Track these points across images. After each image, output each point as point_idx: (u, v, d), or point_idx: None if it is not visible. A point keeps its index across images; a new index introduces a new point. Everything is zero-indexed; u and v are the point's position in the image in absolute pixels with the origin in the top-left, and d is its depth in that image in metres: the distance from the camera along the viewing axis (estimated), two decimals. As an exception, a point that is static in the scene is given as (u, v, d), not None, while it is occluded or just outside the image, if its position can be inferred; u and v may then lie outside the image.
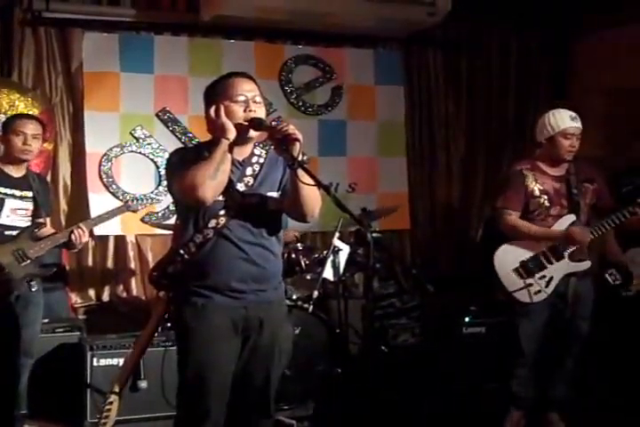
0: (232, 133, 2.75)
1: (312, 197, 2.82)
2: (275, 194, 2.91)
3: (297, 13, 5.49)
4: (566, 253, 3.96)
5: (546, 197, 3.99)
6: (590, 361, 4.30)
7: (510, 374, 4.07)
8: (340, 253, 4.83)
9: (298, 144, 2.68)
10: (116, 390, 3.50)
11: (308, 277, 4.84)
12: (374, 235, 5.10)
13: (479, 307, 5.03)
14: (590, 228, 3.95)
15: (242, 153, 2.89)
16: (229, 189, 2.80)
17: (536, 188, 4.00)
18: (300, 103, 6.09)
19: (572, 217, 3.98)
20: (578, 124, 3.98)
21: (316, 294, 4.66)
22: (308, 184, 2.72)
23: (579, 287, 4.00)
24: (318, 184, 2.75)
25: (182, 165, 2.75)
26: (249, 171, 2.88)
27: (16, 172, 3.95)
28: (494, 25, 6.60)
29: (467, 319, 5.00)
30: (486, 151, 6.62)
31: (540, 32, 6.73)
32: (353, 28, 5.95)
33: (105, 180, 5.47)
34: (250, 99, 2.83)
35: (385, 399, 4.47)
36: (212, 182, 2.68)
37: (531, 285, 3.96)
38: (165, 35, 5.75)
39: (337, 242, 4.78)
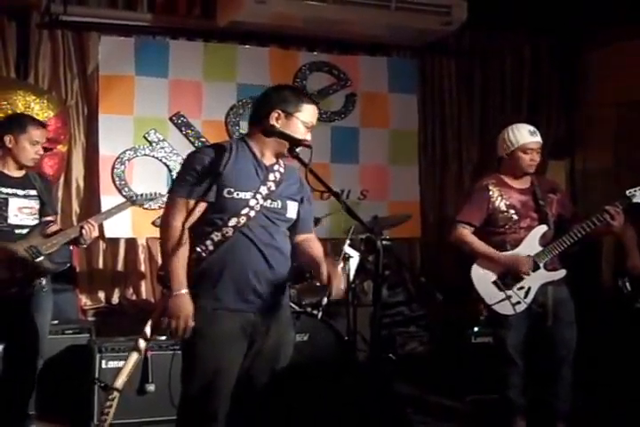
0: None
1: None
2: (294, 204, 3.01)
3: (312, 20, 5.51)
4: (541, 264, 3.98)
5: (513, 211, 4.05)
6: (599, 370, 4.30)
7: (506, 385, 4.09)
8: (351, 260, 4.83)
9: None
10: (119, 387, 3.51)
11: (318, 283, 4.83)
12: (384, 242, 5.10)
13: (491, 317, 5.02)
14: (555, 242, 3.99)
15: (270, 159, 2.98)
16: (253, 189, 2.88)
17: (502, 203, 4.06)
18: (314, 110, 6.09)
19: (543, 227, 4.04)
20: (537, 138, 4.07)
21: (325, 300, 4.67)
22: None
23: (557, 294, 4.05)
24: (328, 191, 2.80)
25: (188, 186, 2.84)
26: (272, 176, 2.96)
27: (16, 172, 3.94)
28: (508, 35, 6.61)
29: (475, 329, 5.00)
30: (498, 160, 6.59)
31: (554, 43, 6.73)
32: (368, 36, 5.97)
33: (118, 182, 5.50)
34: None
35: (391, 407, 4.47)
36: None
37: (510, 296, 3.99)
38: (181, 39, 5.79)
39: (347, 249, 4.79)
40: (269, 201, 2.92)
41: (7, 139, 3.87)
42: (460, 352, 5.04)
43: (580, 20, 6.12)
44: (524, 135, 4.06)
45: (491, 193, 4.08)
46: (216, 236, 2.84)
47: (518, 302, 3.99)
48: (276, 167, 2.99)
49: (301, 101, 2.96)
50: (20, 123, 3.96)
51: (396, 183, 6.28)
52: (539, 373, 4.10)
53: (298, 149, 2.90)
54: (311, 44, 6.12)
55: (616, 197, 4.62)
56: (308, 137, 2.96)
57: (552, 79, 6.79)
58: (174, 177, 2.97)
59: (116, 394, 3.49)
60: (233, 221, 2.84)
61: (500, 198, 4.07)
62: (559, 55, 6.77)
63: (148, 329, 3.13)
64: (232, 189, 2.84)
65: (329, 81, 6.18)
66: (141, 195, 4.38)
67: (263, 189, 2.90)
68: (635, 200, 3.95)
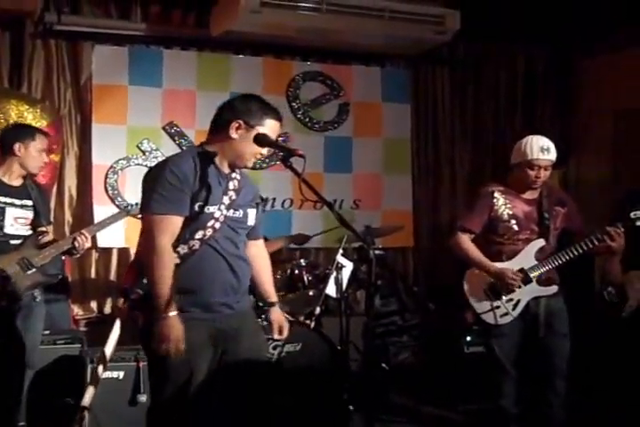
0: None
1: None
2: (253, 210, 3.02)
3: (306, 30, 5.52)
4: (534, 278, 3.97)
5: (514, 221, 3.98)
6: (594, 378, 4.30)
7: (499, 393, 4.07)
8: (344, 269, 4.83)
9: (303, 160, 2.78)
10: (87, 404, 3.51)
11: (311, 293, 4.84)
12: (377, 252, 5.10)
13: (480, 326, 5.02)
14: (550, 258, 3.94)
15: (227, 167, 2.96)
16: (218, 201, 2.86)
17: (505, 212, 3.99)
18: (307, 119, 6.11)
19: (540, 242, 3.97)
20: (547, 156, 3.90)
21: (318, 310, 4.67)
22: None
23: (550, 305, 4.01)
24: (321, 200, 2.80)
25: (170, 203, 2.77)
26: (231, 185, 2.94)
27: (15, 181, 3.94)
28: (502, 45, 6.63)
29: (468, 338, 4.99)
30: (492, 169, 6.61)
31: (547, 52, 6.77)
32: (361, 46, 5.98)
33: (110, 192, 5.50)
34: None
35: (385, 417, 4.48)
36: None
37: (498, 307, 3.97)
38: (175, 49, 5.79)
39: (340, 258, 4.78)
40: (232, 211, 2.91)
41: (17, 146, 3.88)
42: (452, 362, 5.03)
43: (575, 29, 6.14)
44: (535, 151, 3.91)
45: (495, 200, 4.00)
46: (182, 249, 2.83)
47: (506, 314, 3.97)
48: (233, 175, 2.97)
49: (266, 116, 2.92)
50: (28, 131, 4.01)
51: (389, 192, 6.29)
52: (532, 382, 4.09)
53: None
54: (305, 53, 6.14)
55: (609, 207, 4.65)
56: (264, 152, 2.94)
57: (546, 88, 6.82)
58: (145, 193, 2.89)
59: (85, 412, 3.49)
60: (199, 234, 2.83)
61: (503, 207, 3.99)
62: (553, 64, 6.80)
63: (108, 350, 3.15)
64: (202, 204, 2.82)
65: (322, 91, 6.19)
66: (136, 204, 4.37)
67: (225, 199, 2.89)
68: (638, 224, 3.84)
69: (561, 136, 6.74)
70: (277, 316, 3.24)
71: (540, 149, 3.92)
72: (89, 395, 3.56)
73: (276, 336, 3.24)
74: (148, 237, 2.81)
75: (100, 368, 3.50)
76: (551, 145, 3.95)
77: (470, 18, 5.72)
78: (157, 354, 2.81)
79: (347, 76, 6.25)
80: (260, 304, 3.83)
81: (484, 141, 6.67)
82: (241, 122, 2.88)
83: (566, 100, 6.76)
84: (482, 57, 6.65)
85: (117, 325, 3.30)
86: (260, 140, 2.88)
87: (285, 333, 3.25)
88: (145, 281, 2.83)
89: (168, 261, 2.76)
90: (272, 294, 3.28)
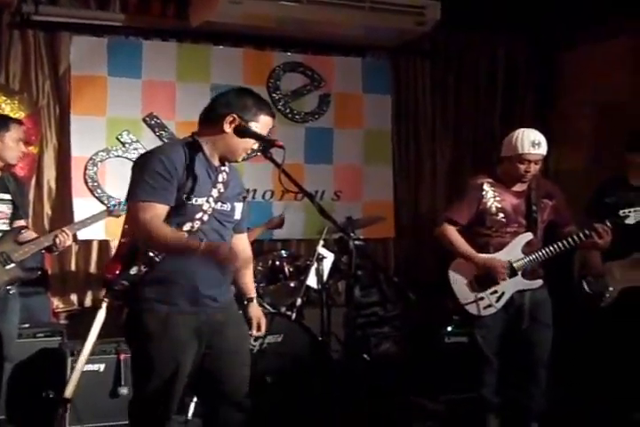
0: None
1: None
2: (240, 204, 3.03)
3: (286, 21, 5.50)
4: (519, 271, 3.98)
5: (502, 214, 3.99)
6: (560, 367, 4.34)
7: (480, 383, 4.10)
8: (324, 260, 4.84)
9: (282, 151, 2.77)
10: (68, 396, 3.51)
11: (292, 284, 4.84)
12: (357, 243, 5.09)
13: (462, 316, 5.04)
14: (536, 252, 3.96)
15: (217, 159, 2.96)
16: (206, 193, 2.86)
17: (493, 205, 3.99)
18: (288, 110, 6.09)
19: (528, 235, 3.99)
20: (538, 150, 3.90)
21: (299, 301, 4.68)
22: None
23: (534, 296, 4.03)
24: (302, 191, 2.80)
25: (158, 190, 2.76)
26: (220, 178, 2.94)
27: None
28: (482, 36, 6.63)
29: (449, 329, 5.02)
30: (472, 161, 6.63)
31: (528, 43, 6.77)
32: (342, 37, 5.97)
33: (90, 184, 5.46)
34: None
35: (366, 407, 4.49)
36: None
37: (482, 298, 3.99)
38: (154, 40, 5.74)
39: (321, 250, 4.80)
40: (220, 204, 2.91)
41: None
42: (433, 352, 5.05)
43: (556, 21, 6.15)
44: (525, 145, 3.90)
45: (484, 193, 4.01)
46: None
47: (489, 306, 3.99)
48: (222, 168, 2.97)
49: (260, 111, 2.92)
50: (1, 122, 3.95)
51: (370, 183, 6.29)
52: (514, 373, 4.12)
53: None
54: (285, 44, 6.11)
55: (588, 199, 4.68)
56: (255, 147, 2.95)
57: (527, 79, 6.83)
58: (132, 181, 2.88)
59: (67, 405, 3.49)
60: (187, 226, 2.82)
61: (492, 200, 4.00)
62: (534, 55, 6.80)
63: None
64: (190, 195, 2.82)
65: (303, 82, 6.17)
66: (119, 204, 4.36)
67: (214, 192, 2.89)
68: (627, 222, 3.88)
69: (542, 127, 6.76)
70: (256, 311, 3.25)
71: (532, 143, 3.91)
72: (71, 387, 3.56)
73: (254, 333, 3.24)
74: (134, 222, 2.80)
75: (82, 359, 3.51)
76: (542, 139, 3.95)
77: (451, 8, 5.72)
78: (141, 348, 2.85)
79: (327, 67, 6.23)
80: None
81: (465, 133, 6.68)
82: (235, 116, 2.87)
83: (547, 92, 6.78)
84: (463, 48, 6.65)
85: (101, 316, 3.30)
86: (241, 131, 2.87)
87: (263, 329, 3.26)
88: (132, 272, 2.82)
89: (161, 224, 2.74)
90: (251, 290, 3.29)
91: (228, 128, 2.88)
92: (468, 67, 6.69)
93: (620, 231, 3.92)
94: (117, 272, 2.87)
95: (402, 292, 5.48)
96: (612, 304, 4.45)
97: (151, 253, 2.81)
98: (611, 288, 4.45)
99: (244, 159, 3.05)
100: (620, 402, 4.43)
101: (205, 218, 2.85)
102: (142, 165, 2.84)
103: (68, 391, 3.61)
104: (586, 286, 4.55)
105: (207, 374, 2.96)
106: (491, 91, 6.76)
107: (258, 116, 2.91)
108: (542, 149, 3.93)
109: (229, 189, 2.96)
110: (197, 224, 2.84)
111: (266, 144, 2.87)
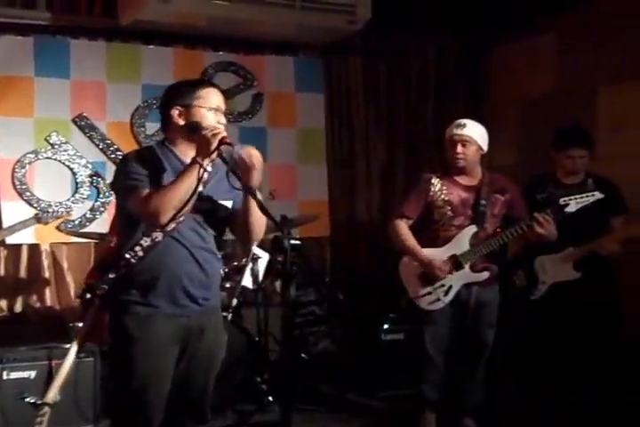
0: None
1: (260, 224, 2.88)
2: (227, 203, 2.93)
3: (217, 19, 5.45)
4: (466, 264, 4.03)
5: (449, 207, 4.04)
6: (498, 363, 4.41)
7: (421, 379, 4.14)
8: (259, 260, 4.84)
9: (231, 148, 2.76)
10: (50, 401, 3.45)
11: (227, 284, 4.81)
12: (293, 242, 5.09)
13: (399, 314, 5.09)
14: (481, 244, 4.00)
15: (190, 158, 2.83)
16: None
17: (440, 198, 4.05)
18: (221, 110, 6.04)
19: (472, 228, 4.05)
20: (461, 131, 4.01)
21: (235, 302, 4.66)
22: (238, 189, 2.76)
23: (482, 295, 4.08)
24: (246, 188, 2.76)
25: (138, 181, 2.73)
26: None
27: None
28: (413, 34, 6.67)
29: (385, 326, 5.06)
30: (405, 159, 6.68)
31: (459, 41, 6.84)
32: (273, 35, 5.95)
33: (19, 187, 5.32)
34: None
35: (306, 407, 4.49)
36: (175, 210, 2.68)
37: (430, 293, 4.03)
38: (82, 39, 5.61)
39: (256, 250, 4.78)
40: (200, 202, 2.82)
41: None
42: (370, 350, 5.08)
43: (484, 18, 6.22)
44: (451, 128, 4.04)
45: (431, 186, 4.06)
46: (145, 241, 2.77)
47: (437, 300, 4.02)
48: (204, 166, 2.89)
49: (196, 88, 2.89)
50: None
51: (305, 182, 6.28)
52: (454, 368, 4.16)
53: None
54: (216, 43, 6.05)
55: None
56: (223, 120, 2.90)
57: (458, 78, 6.89)
58: (115, 185, 2.93)
59: (47, 409, 3.42)
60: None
61: (439, 193, 4.04)
62: (464, 54, 6.88)
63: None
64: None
65: (235, 81, 6.12)
66: (48, 212, 4.27)
67: None
68: (567, 210, 3.89)
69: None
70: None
71: (457, 124, 4.04)
72: (53, 392, 3.49)
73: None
74: (131, 206, 2.77)
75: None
76: (469, 122, 4.05)
77: (382, 7, 5.75)
78: (121, 351, 2.80)
79: (259, 65, 6.20)
80: None
81: (398, 131, 6.73)
82: (178, 107, 2.85)
83: (478, 90, 6.87)
84: (394, 47, 6.69)
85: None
86: (191, 127, 2.82)
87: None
88: (110, 276, 2.79)
89: (154, 192, 2.70)
90: None
91: (180, 121, 2.85)
92: (399, 65, 6.73)
93: (557, 226, 3.97)
94: (97, 277, 2.89)
95: (331, 292, 5.53)
96: (541, 297, 4.53)
97: (127, 255, 2.76)
98: (540, 282, 4.53)
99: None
100: (555, 390, 4.49)
101: (181, 218, 2.76)
102: (119, 175, 2.88)
103: (50, 397, 3.52)
104: (516, 280, 4.63)
105: (174, 376, 2.88)
106: (423, 89, 6.81)
107: (195, 93, 2.87)
108: (467, 130, 4.03)
109: (210, 187, 2.87)
110: (173, 224, 2.75)
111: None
